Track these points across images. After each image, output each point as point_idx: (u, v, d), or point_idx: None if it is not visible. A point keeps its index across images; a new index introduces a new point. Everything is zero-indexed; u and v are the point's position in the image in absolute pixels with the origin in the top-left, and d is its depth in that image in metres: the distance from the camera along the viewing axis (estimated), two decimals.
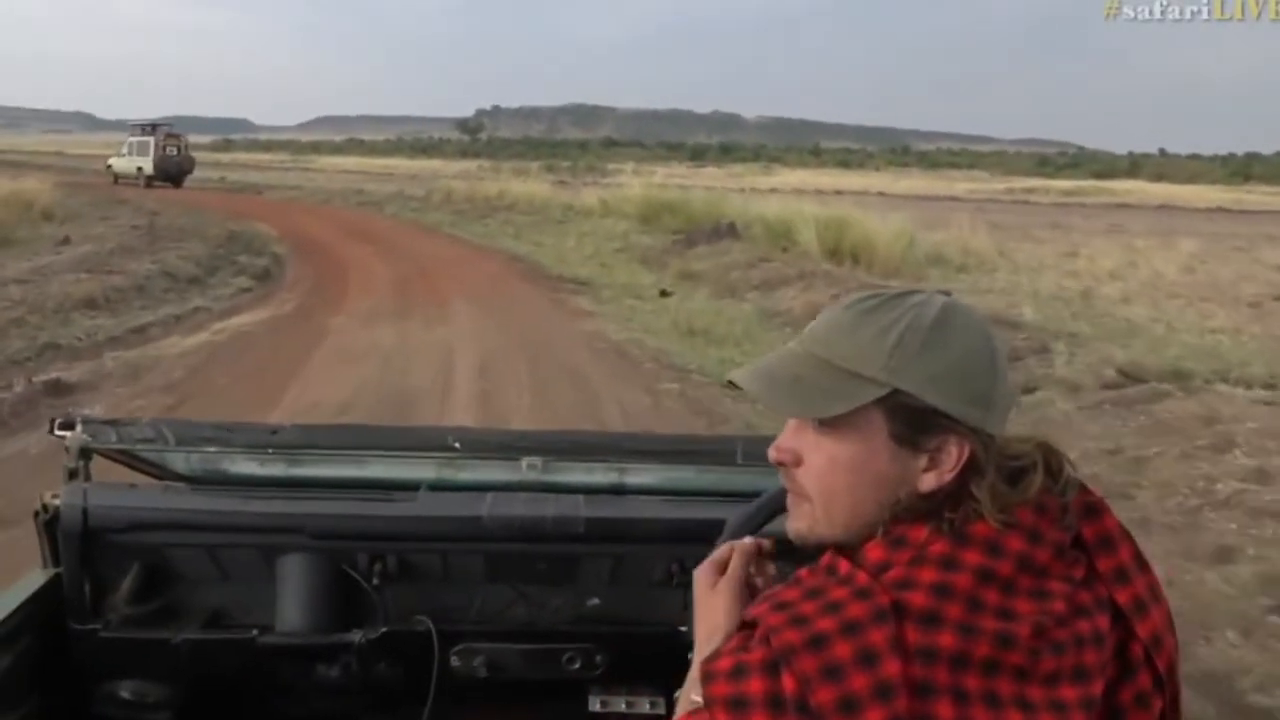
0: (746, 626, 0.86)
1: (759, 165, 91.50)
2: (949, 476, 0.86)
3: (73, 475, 1.54)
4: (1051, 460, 0.88)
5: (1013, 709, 0.79)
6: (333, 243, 17.59)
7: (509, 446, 1.67)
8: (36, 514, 1.51)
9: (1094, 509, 0.92)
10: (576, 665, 1.56)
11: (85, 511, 1.50)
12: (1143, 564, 0.92)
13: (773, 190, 39.08)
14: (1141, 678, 0.89)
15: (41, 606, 1.49)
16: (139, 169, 32.78)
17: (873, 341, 0.87)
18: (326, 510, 1.56)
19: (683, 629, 1.39)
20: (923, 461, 0.87)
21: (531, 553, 1.56)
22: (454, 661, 1.55)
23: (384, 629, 1.54)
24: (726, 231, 15.51)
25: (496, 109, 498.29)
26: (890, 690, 0.76)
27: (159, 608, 1.55)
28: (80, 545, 1.50)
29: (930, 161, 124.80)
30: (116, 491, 1.57)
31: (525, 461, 1.62)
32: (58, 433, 1.56)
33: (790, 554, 1.01)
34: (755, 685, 0.79)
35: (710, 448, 1.78)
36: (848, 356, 0.88)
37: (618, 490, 1.68)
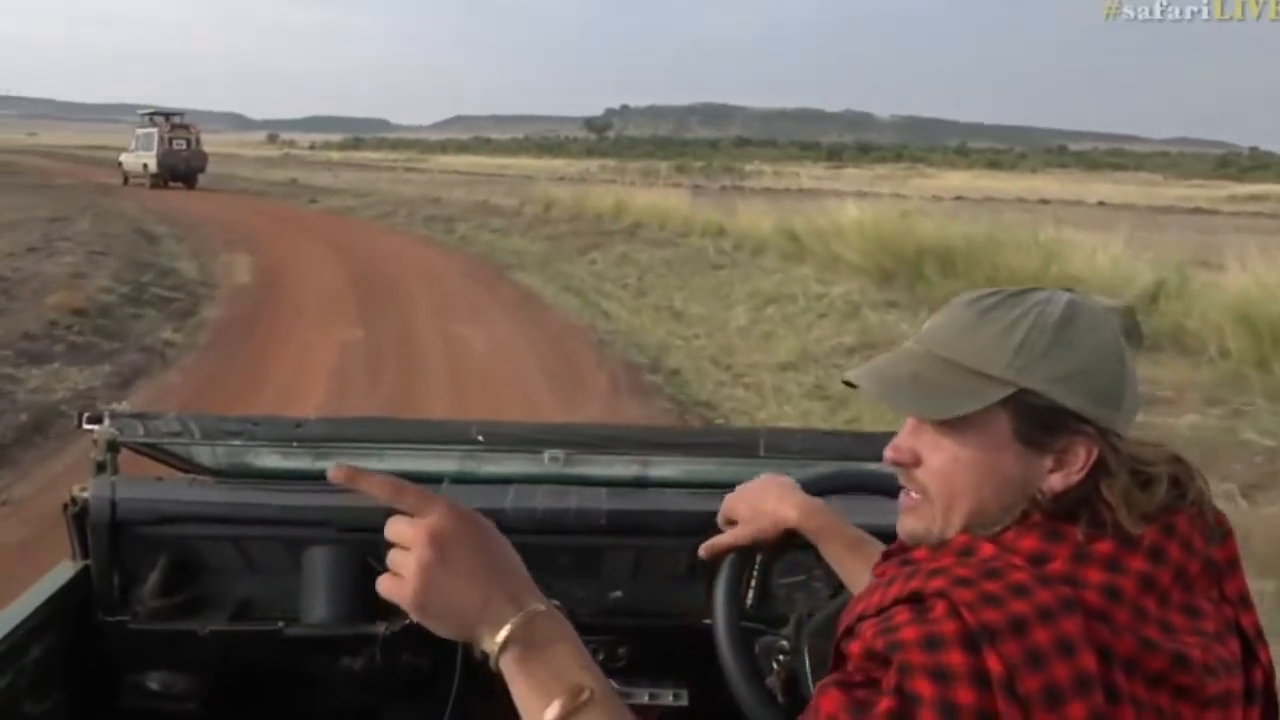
0: (909, 600, 0.80)
1: (902, 166, 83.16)
2: (1076, 478, 0.83)
3: (101, 468, 1.54)
4: (1180, 473, 0.85)
5: None
6: (297, 314, 9.63)
7: (531, 439, 1.65)
8: (65, 507, 1.51)
9: (1225, 534, 0.88)
10: (600, 657, 1.44)
11: (114, 504, 1.50)
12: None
13: (957, 198, 30.02)
14: (1259, 707, 0.85)
15: (70, 598, 1.48)
16: (144, 166, 26.31)
17: (997, 340, 0.84)
18: (351, 503, 1.47)
19: (705, 621, 1.28)
20: (1049, 462, 0.84)
21: (554, 545, 1.53)
22: (477, 653, 1.35)
23: (407, 620, 1.41)
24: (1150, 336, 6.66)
25: (625, 108, 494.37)
26: (1090, 684, 0.73)
27: (186, 600, 1.54)
28: (109, 538, 1.51)
29: (1089, 162, 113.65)
30: (144, 485, 1.58)
31: (548, 454, 1.62)
32: (86, 426, 1.55)
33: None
34: (956, 658, 0.74)
35: (733, 440, 1.76)
36: (971, 355, 0.85)
37: (640, 483, 1.68)
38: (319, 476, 1.47)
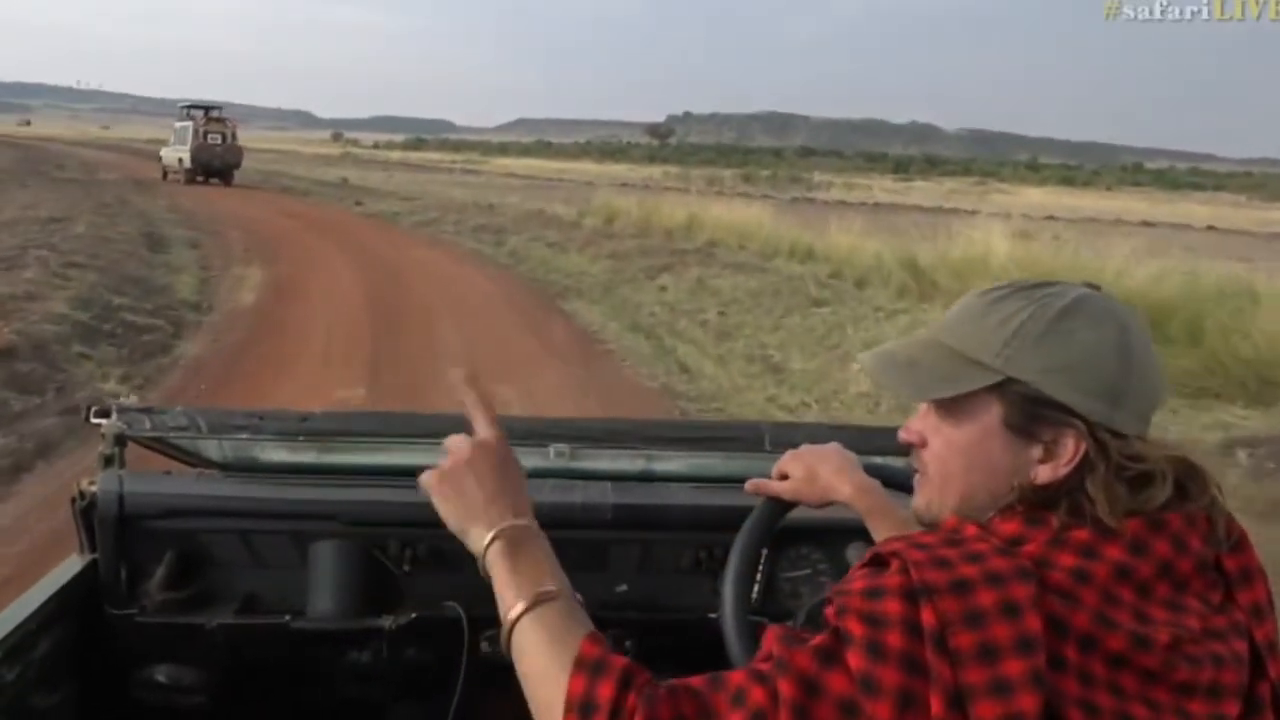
0: (875, 563, 0.83)
1: (971, 180, 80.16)
2: (1064, 470, 0.83)
3: (108, 462, 1.54)
4: (1189, 477, 0.84)
5: (1138, 703, 0.77)
6: (293, 356, 7.65)
7: (537, 433, 1.63)
8: (73, 500, 1.50)
9: (1239, 542, 0.88)
10: None
11: (121, 498, 1.50)
12: (1272, 606, 0.89)
13: (1048, 217, 27.28)
14: (1266, 718, 0.85)
15: (78, 592, 1.48)
16: (179, 161, 25.03)
17: (993, 329, 0.86)
18: (357, 497, 1.56)
19: (711, 615, 1.29)
20: (1037, 452, 0.84)
21: (559, 539, 1.39)
22: (483, 647, 1.52)
23: (414, 614, 1.54)
24: None
25: (688, 115, 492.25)
26: (1031, 645, 0.74)
27: (194, 593, 1.54)
28: (116, 531, 1.50)
29: (1167, 181, 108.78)
30: (151, 478, 1.58)
31: (553, 448, 1.62)
32: (94, 420, 1.55)
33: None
34: (892, 606, 0.77)
35: (738, 434, 1.76)
36: (966, 342, 0.87)
37: (646, 477, 1.69)
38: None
